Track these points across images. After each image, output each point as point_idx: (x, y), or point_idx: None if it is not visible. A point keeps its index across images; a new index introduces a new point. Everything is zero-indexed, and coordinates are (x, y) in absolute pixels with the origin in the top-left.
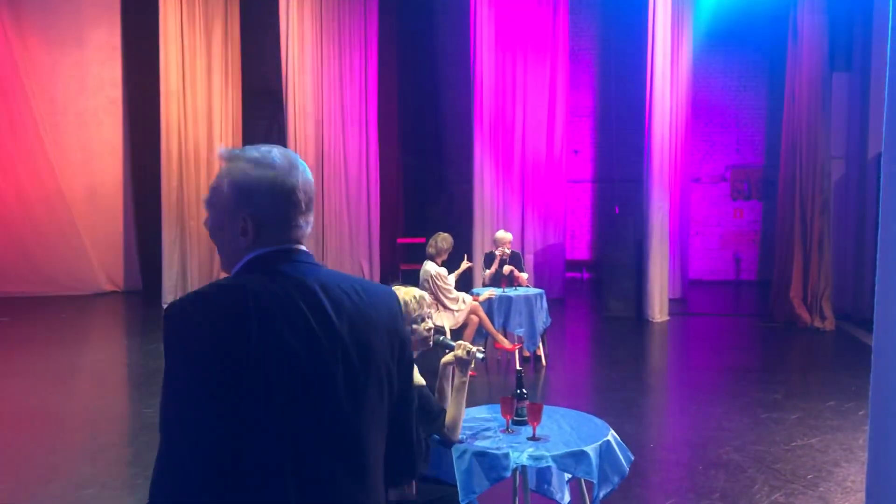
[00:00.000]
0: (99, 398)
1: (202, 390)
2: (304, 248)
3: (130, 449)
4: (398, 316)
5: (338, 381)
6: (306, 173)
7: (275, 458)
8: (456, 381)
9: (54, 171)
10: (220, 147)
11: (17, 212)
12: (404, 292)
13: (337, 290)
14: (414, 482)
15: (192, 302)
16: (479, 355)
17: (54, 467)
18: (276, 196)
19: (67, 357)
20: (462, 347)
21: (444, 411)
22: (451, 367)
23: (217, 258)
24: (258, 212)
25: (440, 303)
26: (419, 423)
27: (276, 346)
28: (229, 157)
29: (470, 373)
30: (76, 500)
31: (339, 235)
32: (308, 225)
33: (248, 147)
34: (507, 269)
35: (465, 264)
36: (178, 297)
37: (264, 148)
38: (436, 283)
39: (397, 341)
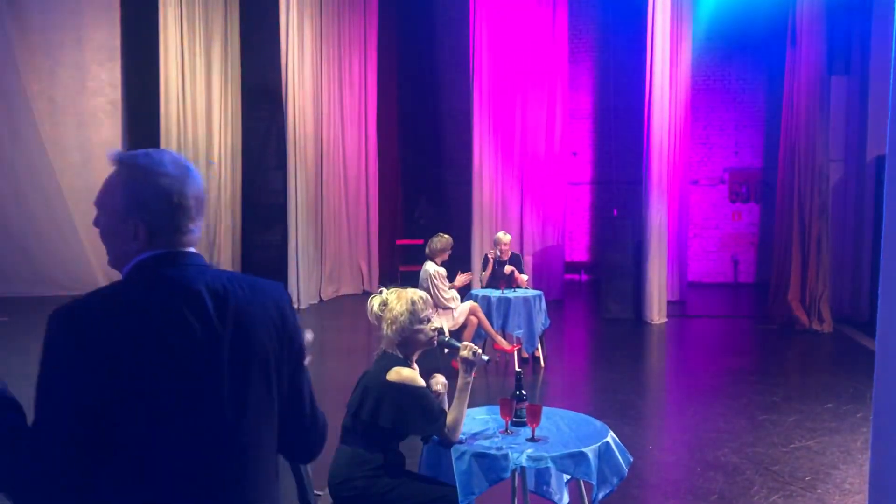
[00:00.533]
0: None
1: (74, 396)
2: (193, 250)
3: None
4: (286, 311)
5: (221, 380)
6: (197, 179)
7: (154, 461)
8: (459, 381)
9: (54, 172)
10: (111, 151)
11: (16, 212)
12: (411, 293)
13: (222, 291)
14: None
15: (74, 309)
16: (485, 358)
17: None
18: (168, 203)
19: None
20: (468, 349)
21: (444, 413)
22: (467, 362)
23: (214, 257)
24: (150, 218)
25: (437, 302)
26: (423, 425)
27: (157, 351)
28: (122, 162)
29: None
30: None
31: (337, 236)
32: (198, 229)
33: (140, 151)
34: (507, 268)
35: (463, 277)
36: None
37: (156, 154)
38: (433, 282)
39: (285, 335)
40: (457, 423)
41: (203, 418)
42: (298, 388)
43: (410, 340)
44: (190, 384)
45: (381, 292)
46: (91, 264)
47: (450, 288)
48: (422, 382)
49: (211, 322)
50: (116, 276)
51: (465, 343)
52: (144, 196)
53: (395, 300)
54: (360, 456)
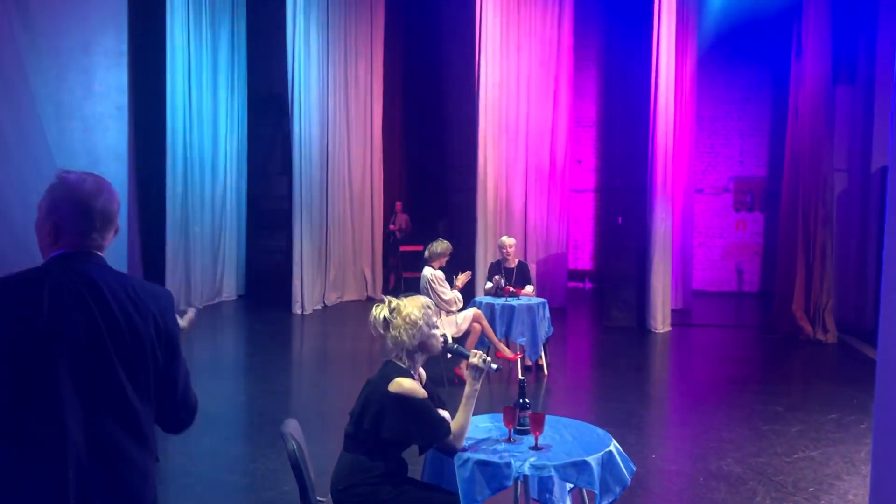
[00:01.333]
0: None
1: None
2: (98, 253)
3: None
4: (166, 313)
5: (112, 355)
6: (111, 201)
7: (58, 416)
8: (467, 388)
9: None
10: (58, 170)
11: (22, 215)
12: (422, 298)
13: (116, 286)
14: None
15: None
16: (494, 366)
17: None
18: (75, 212)
19: None
20: (478, 356)
21: (445, 422)
22: (476, 369)
23: (219, 263)
24: (61, 221)
25: (438, 305)
26: (425, 437)
27: (64, 325)
28: (57, 177)
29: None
30: None
31: (342, 243)
32: (105, 240)
33: (73, 172)
34: (507, 290)
35: (464, 277)
36: None
37: (85, 174)
38: (431, 286)
39: (162, 328)
40: (462, 430)
41: (91, 382)
42: (173, 375)
43: (424, 346)
44: (90, 350)
45: (383, 301)
46: None
47: (452, 289)
48: (423, 394)
49: (108, 307)
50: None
51: (475, 350)
52: (59, 203)
53: (407, 304)
54: (362, 463)
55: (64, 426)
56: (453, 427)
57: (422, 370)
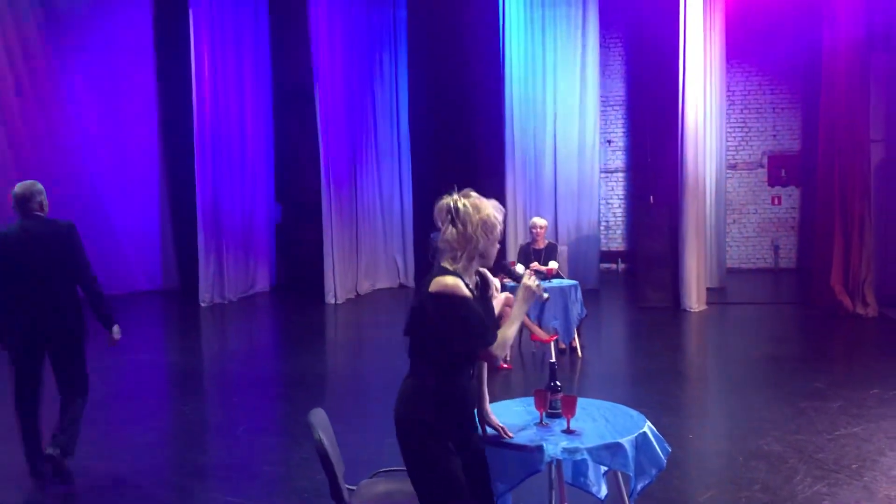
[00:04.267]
0: (139, 397)
1: None
2: (38, 215)
3: (167, 448)
4: (67, 237)
5: (39, 264)
6: (32, 191)
7: (14, 298)
8: (515, 308)
9: (89, 174)
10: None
11: (54, 213)
12: (496, 205)
13: (41, 228)
14: None
15: None
16: (545, 295)
17: (86, 468)
18: (19, 201)
19: (110, 356)
20: (531, 278)
21: (486, 327)
22: (528, 290)
23: (251, 256)
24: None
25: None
26: (465, 337)
27: (12, 250)
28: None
29: (506, 365)
30: (115, 497)
31: (372, 231)
32: (39, 209)
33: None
34: (528, 274)
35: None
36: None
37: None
38: None
39: (66, 245)
40: (505, 341)
41: (33, 277)
42: (78, 266)
43: (486, 253)
44: (28, 263)
45: (453, 193)
46: (129, 263)
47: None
48: (466, 292)
49: (38, 239)
50: (155, 276)
51: (529, 272)
52: (15, 196)
53: (487, 206)
54: (409, 385)
55: (21, 305)
56: (498, 334)
57: (495, 280)
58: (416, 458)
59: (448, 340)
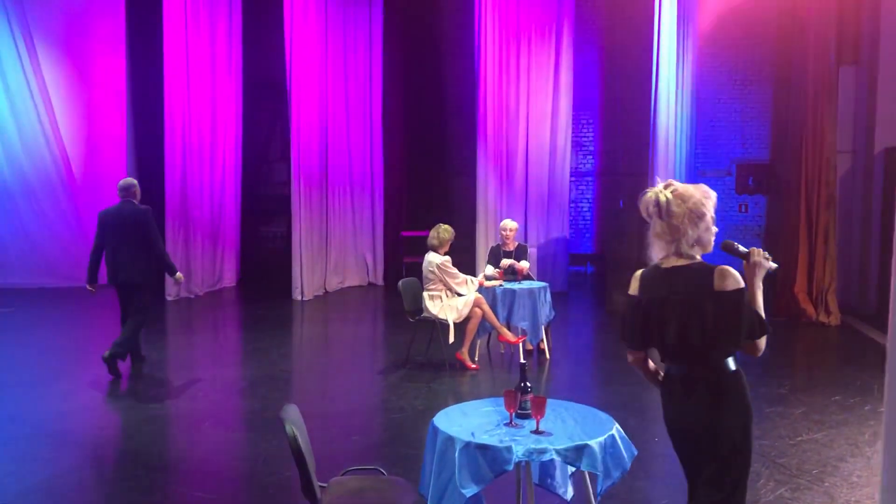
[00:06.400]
0: (101, 393)
1: None
2: (127, 200)
3: (131, 442)
4: (144, 217)
5: (123, 233)
6: (128, 189)
7: (108, 253)
8: (750, 289)
9: (58, 163)
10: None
11: (24, 204)
12: (704, 190)
13: (129, 209)
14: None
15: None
16: (774, 265)
17: (53, 460)
18: (121, 189)
19: (73, 349)
20: (759, 253)
21: (756, 325)
22: (758, 266)
23: (218, 250)
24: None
25: (448, 288)
26: (729, 334)
27: (110, 222)
28: None
29: (473, 366)
30: (75, 488)
31: (342, 228)
32: (135, 197)
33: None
34: (504, 262)
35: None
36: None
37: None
38: (442, 271)
39: (142, 222)
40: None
41: (119, 241)
42: (147, 236)
43: (700, 240)
44: (121, 228)
45: (658, 184)
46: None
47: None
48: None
49: (126, 217)
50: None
51: (752, 248)
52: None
53: (695, 193)
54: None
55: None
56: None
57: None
58: (746, 443)
59: (738, 332)
